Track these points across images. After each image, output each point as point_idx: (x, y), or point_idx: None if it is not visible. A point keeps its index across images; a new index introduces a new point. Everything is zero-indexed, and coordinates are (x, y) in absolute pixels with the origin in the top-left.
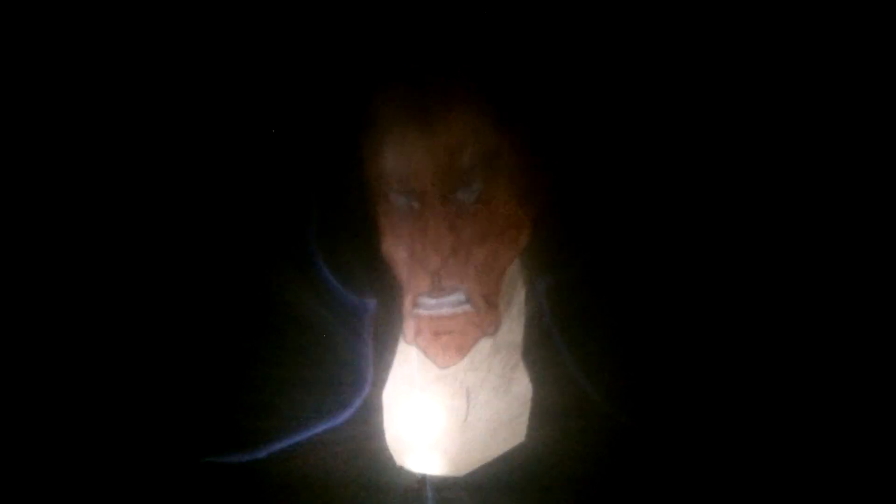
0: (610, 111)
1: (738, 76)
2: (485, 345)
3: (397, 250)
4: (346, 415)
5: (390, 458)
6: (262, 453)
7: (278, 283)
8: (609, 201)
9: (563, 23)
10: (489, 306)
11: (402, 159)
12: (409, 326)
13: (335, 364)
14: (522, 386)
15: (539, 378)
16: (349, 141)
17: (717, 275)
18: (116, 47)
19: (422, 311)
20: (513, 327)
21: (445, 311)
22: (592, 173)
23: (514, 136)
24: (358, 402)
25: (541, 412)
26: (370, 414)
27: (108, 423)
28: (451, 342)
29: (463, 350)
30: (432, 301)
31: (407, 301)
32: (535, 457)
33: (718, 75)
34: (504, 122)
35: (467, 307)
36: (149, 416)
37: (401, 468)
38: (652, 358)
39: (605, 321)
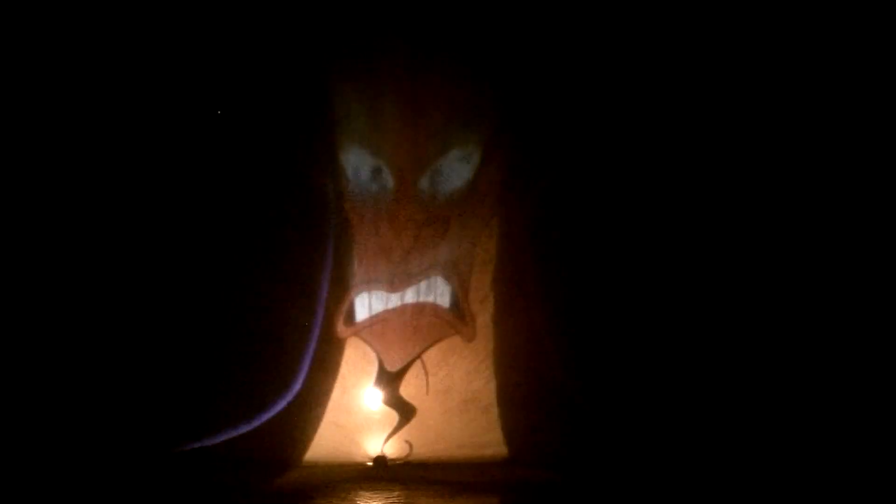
0: (603, 115)
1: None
2: (444, 344)
3: (359, 236)
4: (285, 402)
5: (346, 440)
6: (216, 440)
7: (216, 276)
8: (602, 208)
9: (556, 29)
10: (465, 311)
11: (385, 129)
12: (352, 322)
13: (277, 353)
14: (479, 374)
15: (508, 370)
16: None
17: (702, 283)
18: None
19: (375, 309)
20: (483, 330)
21: (408, 298)
22: (585, 179)
23: (505, 130)
24: (294, 391)
25: (504, 401)
26: (317, 399)
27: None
28: (397, 343)
29: (411, 353)
30: (393, 295)
31: (358, 296)
32: (486, 439)
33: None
34: (496, 113)
35: (439, 301)
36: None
37: (357, 449)
38: (638, 360)
39: (602, 325)
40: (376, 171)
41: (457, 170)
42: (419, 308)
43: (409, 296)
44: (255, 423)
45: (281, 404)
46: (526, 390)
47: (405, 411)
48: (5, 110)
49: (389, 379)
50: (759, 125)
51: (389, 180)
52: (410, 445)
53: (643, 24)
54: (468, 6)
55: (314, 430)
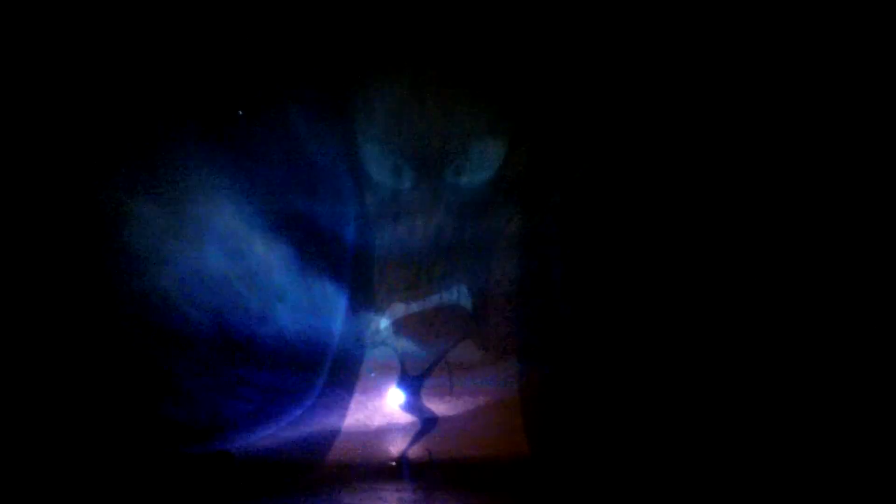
0: (625, 115)
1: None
2: (467, 346)
3: (380, 236)
4: (308, 403)
5: (368, 441)
6: (241, 441)
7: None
8: (618, 203)
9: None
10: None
11: (406, 127)
12: (378, 331)
13: (299, 354)
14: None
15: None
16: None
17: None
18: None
19: (397, 313)
20: (499, 328)
21: (430, 305)
22: (608, 178)
23: (527, 129)
24: (317, 392)
25: (531, 405)
26: (341, 400)
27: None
28: (419, 346)
29: (433, 356)
30: (415, 300)
31: (383, 297)
32: (507, 440)
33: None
34: (518, 112)
35: (459, 307)
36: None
37: (379, 449)
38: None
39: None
40: (397, 169)
41: (478, 168)
42: (439, 311)
43: (432, 299)
44: (280, 424)
45: (304, 406)
46: (548, 391)
47: (427, 413)
48: (38, 116)
49: (412, 381)
50: (769, 132)
51: (410, 178)
52: (432, 445)
53: (668, 32)
54: (491, 7)
55: (338, 430)
